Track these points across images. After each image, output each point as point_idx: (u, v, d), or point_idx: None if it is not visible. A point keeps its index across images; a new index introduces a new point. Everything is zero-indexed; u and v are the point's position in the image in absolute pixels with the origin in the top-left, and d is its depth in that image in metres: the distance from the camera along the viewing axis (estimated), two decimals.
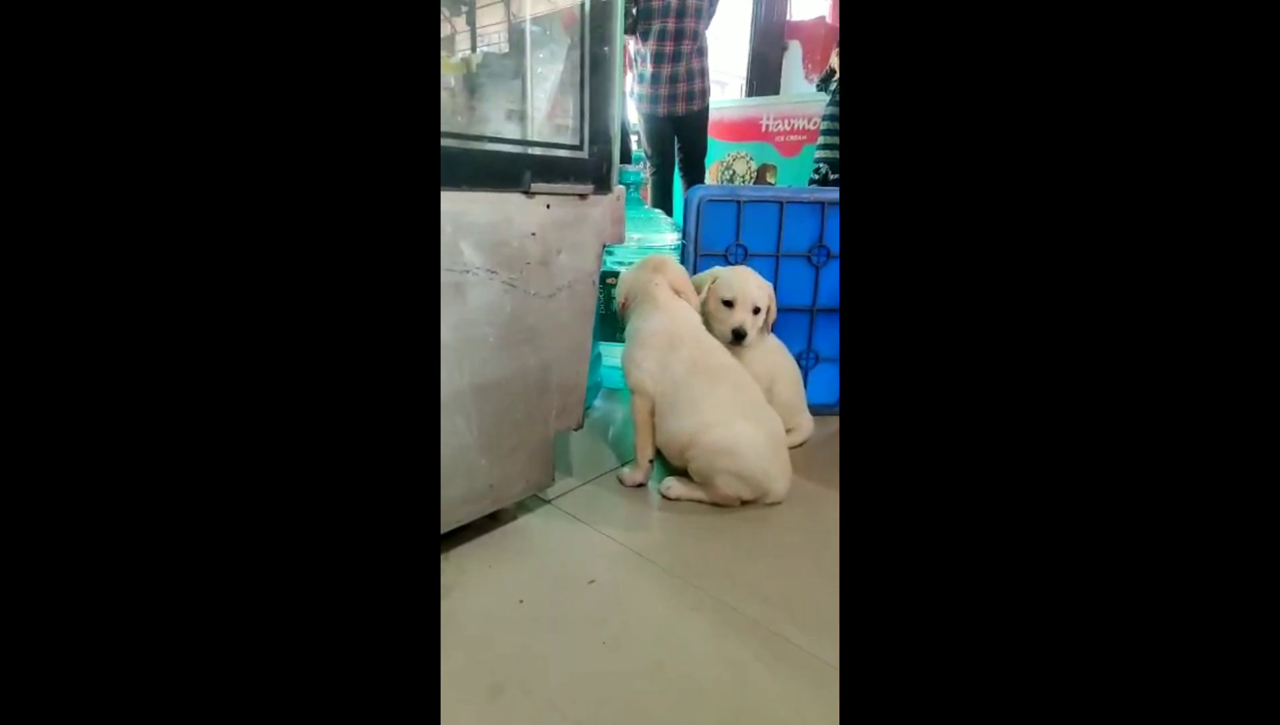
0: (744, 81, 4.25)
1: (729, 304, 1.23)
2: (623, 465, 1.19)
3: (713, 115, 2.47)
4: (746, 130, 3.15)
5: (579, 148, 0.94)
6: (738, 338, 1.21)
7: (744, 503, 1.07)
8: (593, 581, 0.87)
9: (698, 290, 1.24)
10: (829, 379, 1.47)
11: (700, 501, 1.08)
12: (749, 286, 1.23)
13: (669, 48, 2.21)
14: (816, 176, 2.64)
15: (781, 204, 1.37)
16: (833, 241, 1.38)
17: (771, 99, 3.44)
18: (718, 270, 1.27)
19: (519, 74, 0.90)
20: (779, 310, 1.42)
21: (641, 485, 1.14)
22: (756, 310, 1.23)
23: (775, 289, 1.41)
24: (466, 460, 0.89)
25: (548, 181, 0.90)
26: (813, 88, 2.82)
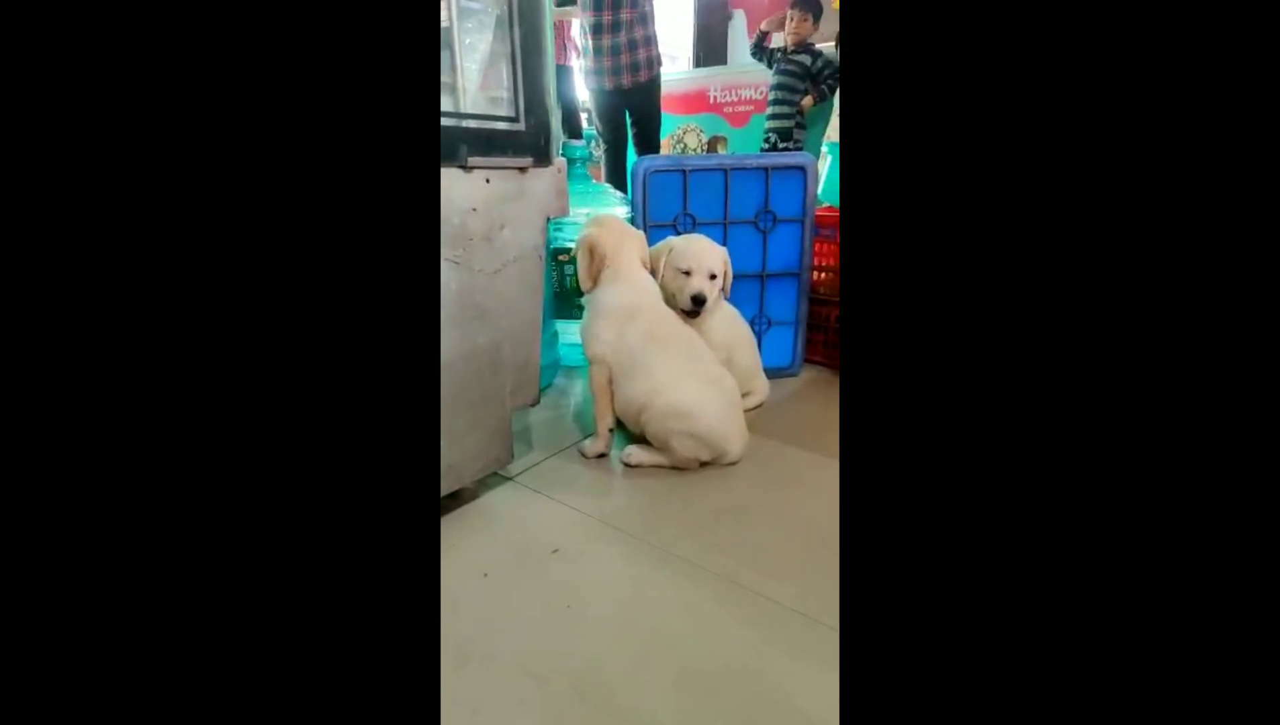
0: (691, 53, 4.22)
1: (686, 273, 1.23)
2: (584, 438, 1.20)
3: (662, 88, 2.45)
4: (695, 102, 3.14)
5: (515, 120, 0.93)
6: (698, 304, 1.22)
7: (702, 464, 1.10)
8: (556, 550, 0.88)
9: (654, 262, 1.25)
10: (781, 342, 1.51)
11: (661, 466, 1.10)
12: (704, 253, 1.24)
13: (607, 17, 2.17)
14: (767, 146, 2.66)
15: (726, 171, 1.38)
16: (778, 206, 1.41)
17: (718, 69, 3.43)
18: (672, 240, 1.28)
19: (447, 44, 0.87)
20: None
21: (603, 456, 1.15)
22: (713, 276, 1.24)
23: None
24: None
25: (485, 155, 0.89)
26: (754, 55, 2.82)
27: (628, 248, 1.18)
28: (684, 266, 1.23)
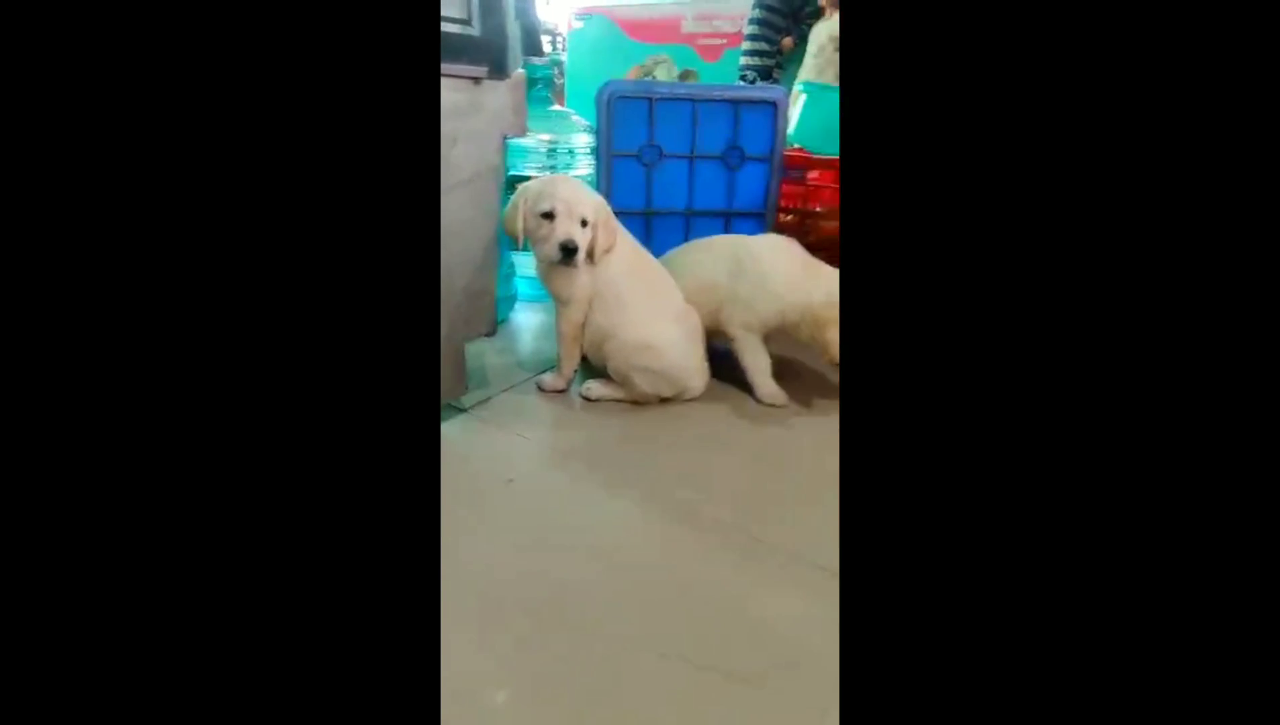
0: None
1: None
2: (543, 372, 1.18)
3: (630, 14, 2.30)
4: (666, 31, 2.98)
5: (468, 22, 0.85)
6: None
7: (663, 400, 1.10)
8: (511, 481, 0.88)
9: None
10: None
11: (621, 401, 1.10)
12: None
13: None
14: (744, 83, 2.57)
15: (695, 102, 1.32)
16: (747, 143, 1.37)
17: None
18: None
19: None
20: (696, 214, 1.41)
21: (562, 392, 1.14)
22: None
23: (690, 191, 1.40)
24: None
25: None
26: None
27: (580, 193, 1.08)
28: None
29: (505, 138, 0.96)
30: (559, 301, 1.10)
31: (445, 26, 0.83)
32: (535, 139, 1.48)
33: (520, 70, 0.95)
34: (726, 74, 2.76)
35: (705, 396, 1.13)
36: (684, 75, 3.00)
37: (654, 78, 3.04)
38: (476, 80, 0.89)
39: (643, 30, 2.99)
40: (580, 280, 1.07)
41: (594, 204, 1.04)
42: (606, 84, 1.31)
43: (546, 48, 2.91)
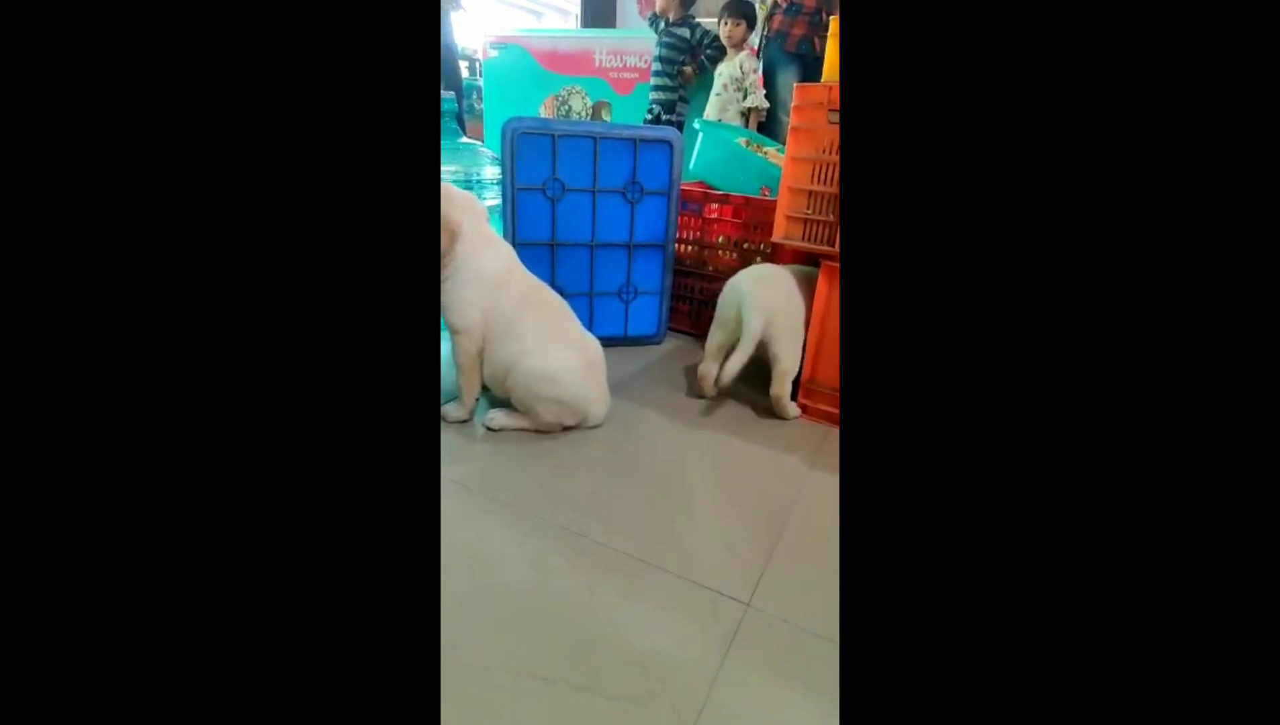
0: (579, 12, 4.10)
1: None
2: (445, 403, 1.18)
3: (547, 45, 2.36)
4: (581, 63, 3.08)
5: None
6: None
7: (565, 428, 1.13)
8: None
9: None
10: (647, 311, 1.57)
11: (524, 430, 1.12)
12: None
13: None
14: (650, 118, 2.69)
15: (595, 139, 1.39)
16: (646, 179, 1.45)
17: (606, 32, 3.38)
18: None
19: None
20: (600, 246, 1.47)
21: (465, 422, 1.15)
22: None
23: (594, 224, 1.46)
24: None
25: None
26: (646, 25, 2.82)
27: (479, 215, 1.15)
28: None
29: None
30: (451, 330, 1.12)
31: None
32: (444, 172, 1.50)
33: None
34: (639, 106, 2.89)
35: (609, 424, 1.17)
36: (597, 107, 3.10)
37: (569, 107, 3.12)
38: None
39: (557, 62, 3.07)
40: (468, 312, 1.09)
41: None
42: (509, 120, 1.35)
43: (465, 73, 2.91)
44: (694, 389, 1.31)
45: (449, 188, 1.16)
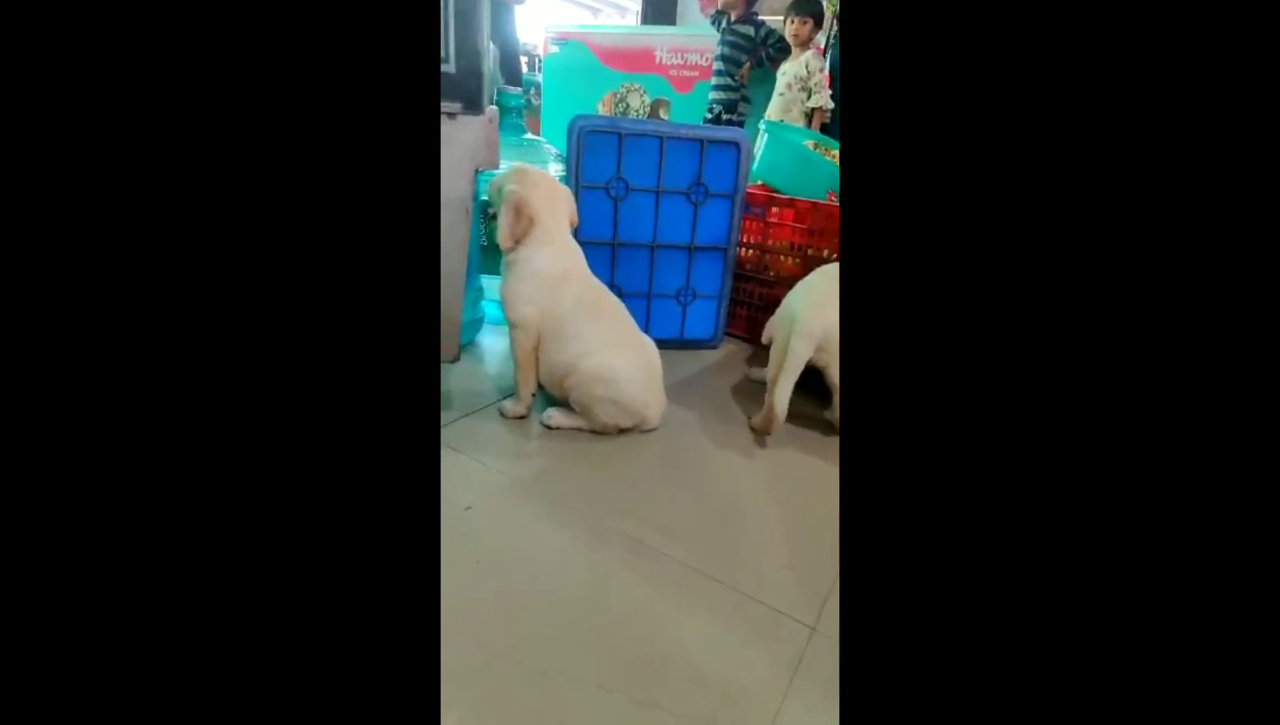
0: (640, 9, 4.09)
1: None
2: (504, 398, 1.19)
3: (605, 42, 2.36)
4: (640, 60, 3.06)
5: (445, 60, 0.88)
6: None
7: (621, 430, 1.12)
8: (469, 508, 0.89)
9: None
10: (704, 315, 1.55)
11: (580, 430, 1.12)
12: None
13: None
14: (710, 116, 2.66)
15: (662, 139, 1.37)
16: (711, 180, 1.42)
17: (667, 30, 3.35)
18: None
19: None
20: (661, 247, 1.46)
21: (523, 417, 1.15)
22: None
23: (656, 224, 1.44)
24: None
25: None
26: (708, 22, 2.78)
27: (558, 208, 1.14)
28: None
29: (477, 171, 0.98)
30: (509, 324, 1.12)
31: None
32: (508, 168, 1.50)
33: (493, 106, 0.98)
34: (698, 105, 2.85)
35: (664, 428, 1.16)
36: (656, 105, 3.08)
37: (627, 105, 3.12)
38: (451, 115, 0.91)
39: (617, 58, 3.06)
40: (522, 307, 1.09)
41: (492, 188, 1.15)
42: (576, 118, 1.35)
43: (524, 69, 2.94)
44: (756, 420, 1.17)
45: (532, 172, 1.14)
